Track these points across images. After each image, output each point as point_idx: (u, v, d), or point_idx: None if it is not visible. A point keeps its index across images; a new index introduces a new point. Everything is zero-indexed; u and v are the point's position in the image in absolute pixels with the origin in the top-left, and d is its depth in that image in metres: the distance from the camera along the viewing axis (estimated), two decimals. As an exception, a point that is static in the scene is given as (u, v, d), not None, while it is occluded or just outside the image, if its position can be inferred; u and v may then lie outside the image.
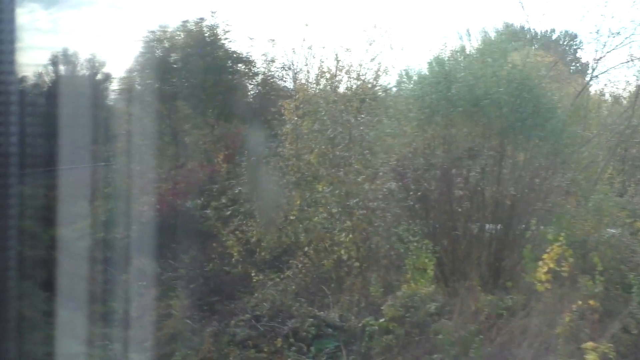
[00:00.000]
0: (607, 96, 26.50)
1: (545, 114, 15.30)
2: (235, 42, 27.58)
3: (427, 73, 16.26)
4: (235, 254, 20.32)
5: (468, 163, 15.33)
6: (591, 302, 12.14)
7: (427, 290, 14.11)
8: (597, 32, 21.47)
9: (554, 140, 15.38)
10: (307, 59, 22.69)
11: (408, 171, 15.28)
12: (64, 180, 26.05)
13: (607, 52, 21.27)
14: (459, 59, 16.05)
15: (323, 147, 18.59)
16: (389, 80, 25.79)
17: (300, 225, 18.68)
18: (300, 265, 18.44)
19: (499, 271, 15.02)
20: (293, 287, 17.36)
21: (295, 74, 22.92)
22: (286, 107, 22.84)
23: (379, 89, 22.62)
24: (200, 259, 21.59)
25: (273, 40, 27.24)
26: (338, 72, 22.08)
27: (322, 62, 22.41)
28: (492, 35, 30.21)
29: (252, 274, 19.36)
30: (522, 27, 29.56)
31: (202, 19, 27.70)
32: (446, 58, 16.44)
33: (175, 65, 27.65)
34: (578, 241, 14.48)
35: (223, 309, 16.82)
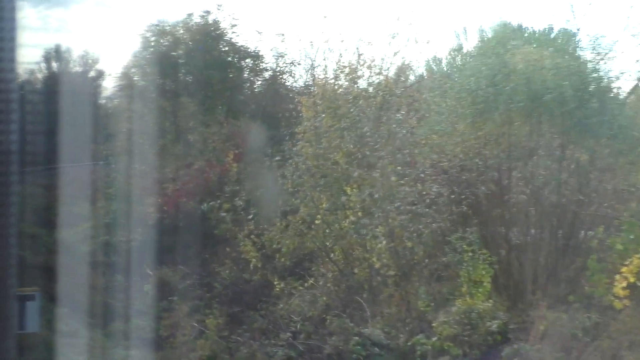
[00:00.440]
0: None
1: (613, 110, 13.51)
2: (243, 36, 25.48)
3: (479, 64, 14.38)
4: (253, 260, 18.44)
5: (529, 164, 13.47)
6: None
7: (486, 306, 12.29)
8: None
9: (622, 139, 13.56)
10: (325, 53, 20.80)
11: (455, 172, 13.43)
12: (61, 179, 24.15)
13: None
14: (513, 50, 14.16)
15: (351, 146, 16.72)
16: (414, 75, 23.77)
17: (327, 230, 16.81)
18: (329, 274, 16.54)
19: (557, 283, 13.19)
20: (324, 298, 15.51)
21: (313, 68, 20.98)
22: (304, 103, 20.98)
23: (404, 85, 20.70)
24: (213, 265, 19.71)
25: (282, 34, 25.14)
26: (359, 66, 20.17)
27: (341, 56, 20.46)
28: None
29: (274, 282, 17.54)
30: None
31: (207, 12, 25.67)
32: (501, 50, 14.50)
33: (180, 60, 25.60)
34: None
35: (249, 321, 14.94)
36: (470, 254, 12.70)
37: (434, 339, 12.19)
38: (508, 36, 15.62)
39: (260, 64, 25.91)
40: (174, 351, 12.57)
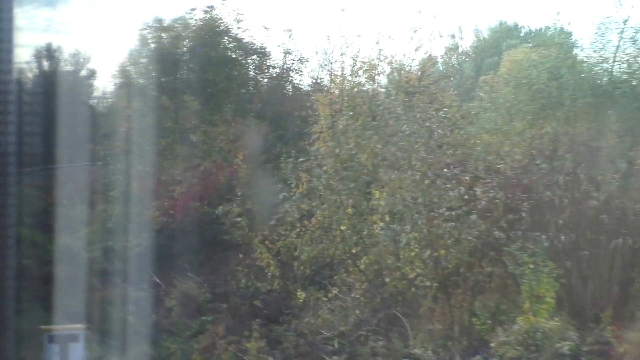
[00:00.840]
0: None
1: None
2: (249, 32, 23.78)
3: (540, 57, 12.81)
4: (271, 268, 16.82)
5: (597, 167, 11.93)
6: None
7: (552, 324, 10.74)
8: None
9: None
10: (342, 48, 19.21)
11: (513, 174, 11.88)
12: (57, 180, 22.46)
13: None
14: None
15: (379, 146, 15.12)
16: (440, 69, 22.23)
17: (354, 237, 15.20)
18: (357, 285, 14.90)
19: (626, 297, 11.66)
20: (357, 311, 13.88)
21: (331, 64, 19.35)
22: (320, 101, 19.40)
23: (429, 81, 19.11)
24: (225, 273, 18.06)
25: (290, 30, 23.43)
26: (379, 62, 18.60)
27: (359, 51, 18.86)
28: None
29: (297, 292, 15.92)
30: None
31: (211, 7, 23.97)
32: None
33: (183, 57, 23.91)
34: None
35: (282, 339, 13.28)
36: (531, 265, 11.14)
37: (494, 361, 10.65)
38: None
39: (267, 61, 24.24)
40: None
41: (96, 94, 37.25)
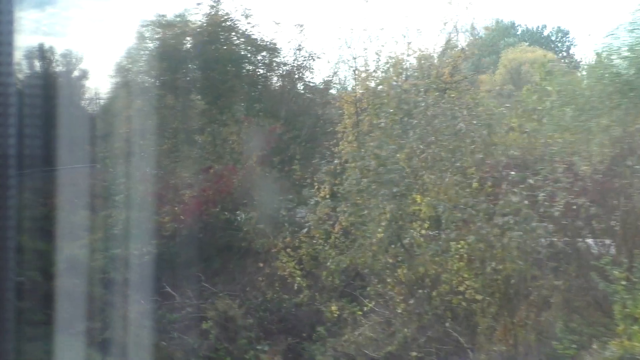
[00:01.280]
0: None
1: None
2: (258, 28, 21.97)
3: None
4: (297, 278, 15.13)
5: None
6: None
7: (653, 350, 9.08)
8: None
9: None
10: (365, 42, 17.55)
11: (600, 178, 10.25)
12: (56, 183, 20.57)
13: None
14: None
15: (421, 146, 13.44)
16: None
17: (393, 246, 13.49)
18: (397, 298, 13.18)
19: None
20: (406, 330, 12.14)
21: (355, 59, 17.63)
22: (345, 99, 17.71)
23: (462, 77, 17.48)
24: (243, 283, 16.31)
25: (301, 25, 21.65)
26: (407, 57, 16.96)
27: (383, 46, 17.23)
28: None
29: (328, 306, 14.20)
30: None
31: (217, 1, 22.13)
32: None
33: (188, 54, 22.09)
34: None
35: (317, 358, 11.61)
36: (623, 282, 9.50)
37: (583, 390, 8.98)
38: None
39: (278, 58, 22.44)
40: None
41: (91, 94, 35.53)
